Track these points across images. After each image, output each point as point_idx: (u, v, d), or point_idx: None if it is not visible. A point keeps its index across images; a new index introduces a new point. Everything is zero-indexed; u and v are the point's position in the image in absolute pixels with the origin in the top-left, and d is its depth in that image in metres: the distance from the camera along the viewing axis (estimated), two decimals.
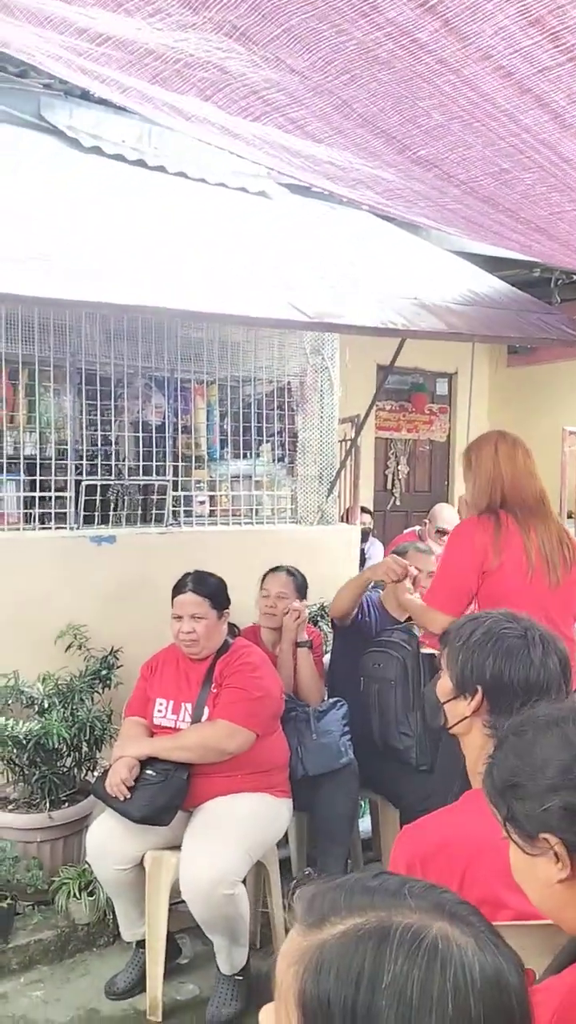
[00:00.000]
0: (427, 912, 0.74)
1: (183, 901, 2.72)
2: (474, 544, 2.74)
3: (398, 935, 0.71)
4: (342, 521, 4.87)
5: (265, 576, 3.48)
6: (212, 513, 4.32)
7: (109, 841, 2.82)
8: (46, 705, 3.28)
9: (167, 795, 2.76)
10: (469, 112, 1.83)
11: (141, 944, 2.91)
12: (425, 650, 3.29)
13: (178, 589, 3.01)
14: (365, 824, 3.69)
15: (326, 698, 3.40)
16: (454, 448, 8.22)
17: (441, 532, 5.40)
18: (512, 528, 2.75)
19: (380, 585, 3.89)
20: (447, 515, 5.57)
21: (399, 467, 8.23)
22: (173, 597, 3.01)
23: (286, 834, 3.21)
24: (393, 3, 1.44)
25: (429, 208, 2.49)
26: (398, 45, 1.59)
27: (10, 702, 3.29)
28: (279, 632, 3.39)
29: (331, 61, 1.70)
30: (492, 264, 4.54)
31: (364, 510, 5.83)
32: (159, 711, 2.98)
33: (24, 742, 3.15)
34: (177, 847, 2.78)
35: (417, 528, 5.75)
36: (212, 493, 4.34)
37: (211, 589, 2.99)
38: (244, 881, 2.75)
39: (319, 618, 3.97)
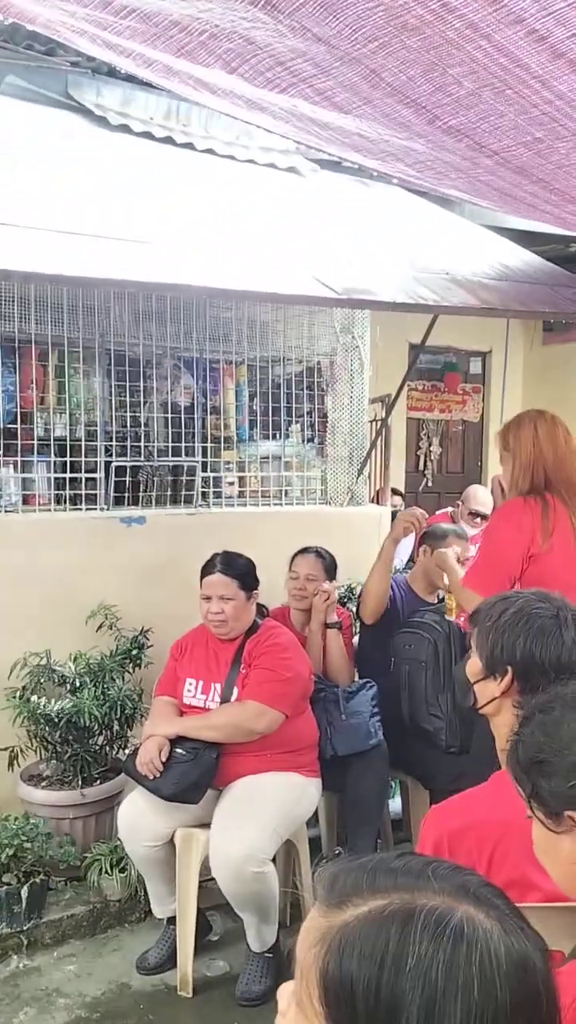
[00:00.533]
0: (451, 894, 0.72)
1: (213, 878, 2.74)
2: (521, 526, 2.64)
3: (422, 917, 0.69)
4: (372, 502, 4.84)
5: (294, 557, 3.46)
6: (241, 494, 4.31)
7: (140, 818, 2.84)
8: (78, 684, 3.30)
9: (197, 773, 2.77)
10: (501, 79, 1.78)
11: (172, 921, 2.94)
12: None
13: (207, 570, 3.00)
14: (396, 805, 3.69)
15: (356, 679, 3.39)
16: (487, 428, 8.12)
17: (474, 514, 5.34)
18: (560, 510, 2.66)
19: (408, 567, 3.86)
20: (481, 497, 5.50)
21: (431, 448, 8.16)
22: (202, 578, 3.01)
23: (316, 814, 3.22)
24: None
25: (460, 180, 2.44)
26: (427, 10, 1.54)
27: (43, 681, 3.32)
28: (308, 613, 3.38)
29: (359, 28, 1.66)
30: (526, 239, 4.46)
31: (395, 491, 5.79)
32: (188, 691, 2.99)
33: (56, 720, 3.19)
34: (207, 825, 2.80)
35: (450, 509, 5.70)
36: (241, 474, 4.33)
37: (240, 570, 2.99)
38: (274, 860, 2.77)
39: (347, 599, 3.95)
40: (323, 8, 1.60)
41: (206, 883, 2.86)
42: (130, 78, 3.60)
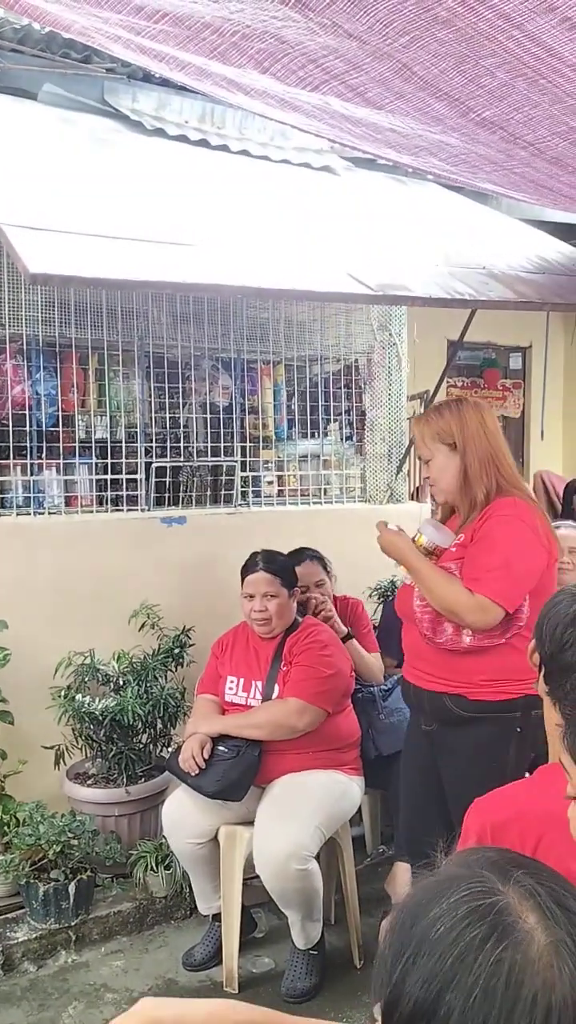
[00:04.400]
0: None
1: (257, 876, 2.75)
2: (537, 531, 2.39)
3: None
4: (411, 499, 4.82)
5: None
6: (280, 493, 4.32)
7: (183, 816, 2.86)
8: (121, 683, 3.34)
9: (239, 771, 2.79)
10: (534, 69, 1.77)
11: (217, 918, 2.96)
12: None
13: (248, 568, 3.02)
14: None
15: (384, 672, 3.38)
16: (529, 425, 8.03)
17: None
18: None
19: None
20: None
21: None
22: (243, 576, 3.02)
23: (360, 812, 3.21)
24: None
25: (495, 173, 2.42)
26: (458, 2, 1.54)
27: (87, 680, 3.37)
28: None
29: (390, 23, 1.66)
30: (566, 231, 4.41)
31: None
32: (230, 688, 3.01)
33: (101, 719, 3.23)
34: (250, 822, 2.81)
35: None
36: (280, 473, 4.34)
37: (281, 567, 3.00)
38: (318, 857, 2.77)
39: (390, 594, 3.94)
40: (353, 4, 1.60)
41: (250, 880, 2.87)
42: (165, 82, 3.64)
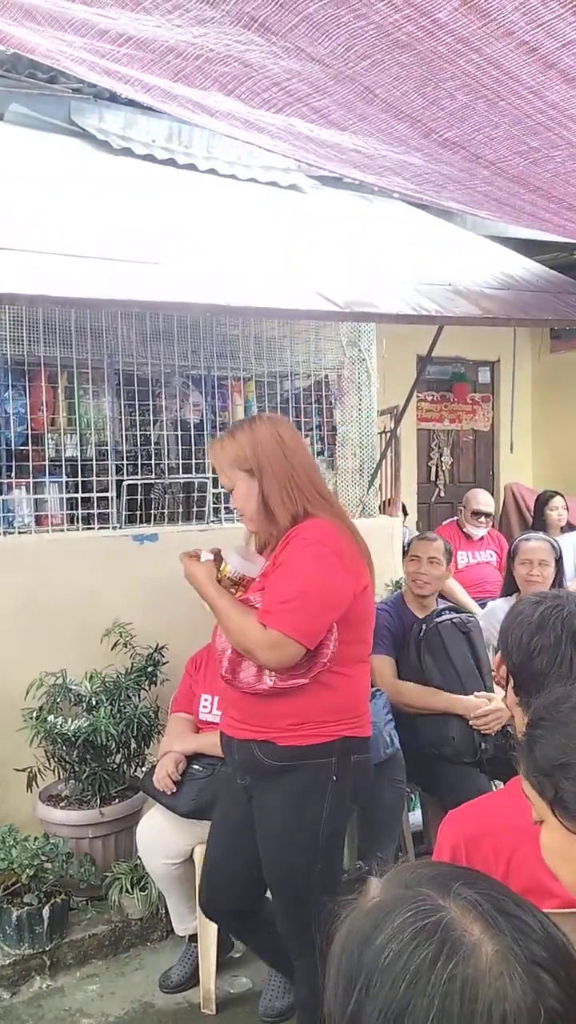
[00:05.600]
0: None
1: None
2: (342, 556, 2.12)
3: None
4: (383, 513, 4.84)
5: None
6: None
7: (158, 836, 2.84)
8: (94, 702, 3.31)
9: (213, 789, 2.77)
10: (494, 91, 1.80)
11: (194, 938, 2.93)
12: None
13: None
14: (416, 817, 3.67)
15: None
16: (498, 438, 8.12)
17: (477, 514, 5.36)
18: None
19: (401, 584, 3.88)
20: (482, 497, 5.52)
21: (442, 458, 8.16)
22: None
23: None
24: None
25: (459, 191, 2.46)
26: (418, 27, 1.57)
27: (59, 700, 3.34)
28: None
29: (351, 47, 1.68)
30: (530, 248, 4.47)
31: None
32: (204, 707, 3.00)
33: (73, 739, 3.20)
34: None
35: (456, 518, 5.71)
36: None
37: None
38: None
39: None
40: (315, 28, 1.63)
41: None
42: (131, 102, 3.66)
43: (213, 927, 2.83)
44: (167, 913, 3.02)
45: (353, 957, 0.73)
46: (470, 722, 3.15)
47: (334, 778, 2.13)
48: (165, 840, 2.83)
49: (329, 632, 2.09)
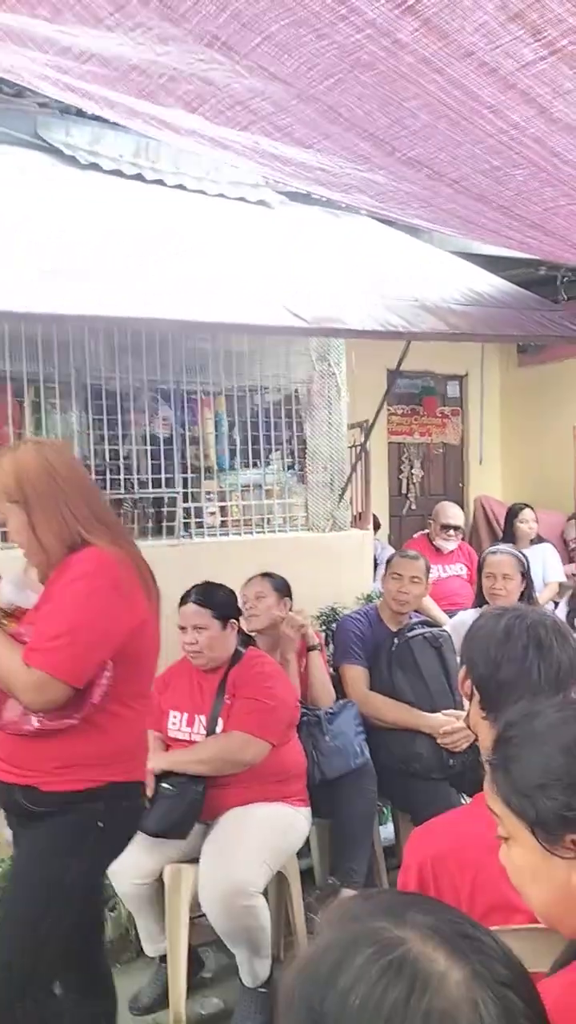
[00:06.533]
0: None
1: (204, 915, 2.71)
2: (119, 588, 1.98)
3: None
4: (354, 527, 4.85)
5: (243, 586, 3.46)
6: (223, 524, 4.31)
7: (127, 856, 2.77)
8: None
9: (183, 808, 2.75)
10: (455, 111, 1.82)
11: (164, 959, 2.90)
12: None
13: (182, 600, 3.03)
14: (388, 831, 3.67)
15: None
16: (468, 450, 8.18)
17: (447, 527, 5.39)
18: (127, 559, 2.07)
19: (377, 596, 3.88)
20: (450, 510, 5.55)
21: (413, 471, 8.20)
22: (179, 609, 3.02)
23: (308, 844, 3.19)
24: (371, 5, 1.44)
25: (423, 209, 2.48)
26: (379, 47, 1.58)
27: None
28: (274, 639, 3.38)
29: (314, 66, 1.69)
30: (497, 264, 4.52)
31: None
32: (173, 723, 2.98)
33: None
34: (195, 860, 2.77)
35: (427, 531, 5.73)
36: (223, 503, 4.33)
37: (214, 599, 3.00)
38: (265, 892, 2.74)
39: (332, 620, 3.96)
40: (278, 48, 1.64)
41: (197, 919, 2.82)
42: (98, 117, 3.65)
43: (183, 947, 2.80)
44: (137, 934, 2.98)
45: (314, 1003, 0.68)
46: (438, 740, 3.15)
47: (100, 825, 1.99)
48: (134, 860, 2.77)
49: (101, 669, 1.95)
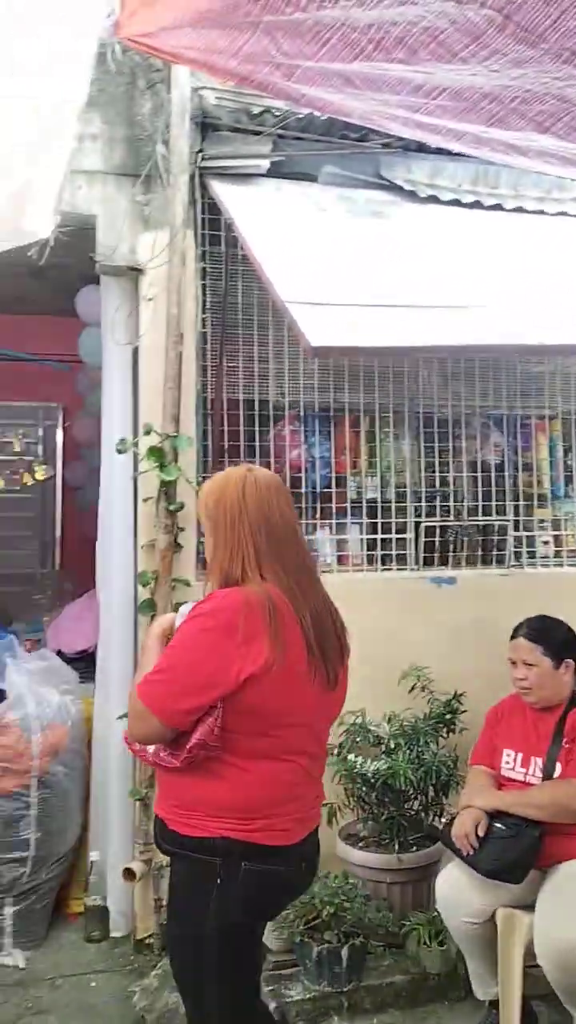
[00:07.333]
0: None
1: (538, 964, 2.57)
2: (234, 634, 1.84)
3: None
4: None
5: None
6: (558, 554, 4.12)
7: (458, 893, 2.75)
8: (392, 745, 3.31)
9: (517, 851, 2.64)
10: None
11: (494, 1004, 2.79)
12: None
13: (514, 633, 2.95)
14: None
15: None
16: None
17: None
18: (286, 609, 1.91)
19: None
20: None
21: None
22: (511, 641, 2.93)
23: None
24: None
25: None
26: None
27: (358, 740, 3.37)
28: None
29: None
30: None
31: None
32: (507, 762, 2.88)
33: (372, 781, 3.21)
34: (530, 906, 2.64)
35: None
36: (557, 532, 4.14)
37: (547, 636, 2.86)
38: None
39: None
40: None
41: (530, 968, 2.69)
42: (439, 150, 3.70)
43: (517, 998, 2.68)
44: (467, 972, 2.91)
45: None
46: None
47: (218, 881, 1.87)
48: (467, 898, 2.73)
49: (205, 715, 1.83)
